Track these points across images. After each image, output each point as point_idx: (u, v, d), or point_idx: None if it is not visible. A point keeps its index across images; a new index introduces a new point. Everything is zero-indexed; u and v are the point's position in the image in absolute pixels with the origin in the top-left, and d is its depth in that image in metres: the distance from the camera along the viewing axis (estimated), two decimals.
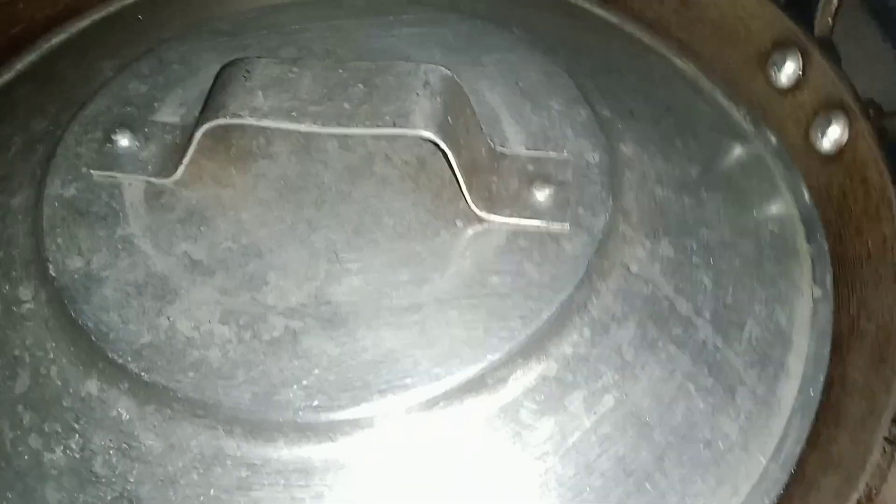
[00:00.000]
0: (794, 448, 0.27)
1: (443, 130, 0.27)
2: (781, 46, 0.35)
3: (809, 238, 0.32)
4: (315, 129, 0.27)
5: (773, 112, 0.36)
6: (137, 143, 0.31)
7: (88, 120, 0.32)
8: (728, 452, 0.27)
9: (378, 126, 0.27)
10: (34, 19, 0.39)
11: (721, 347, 0.28)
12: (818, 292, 0.31)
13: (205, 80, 0.33)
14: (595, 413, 0.26)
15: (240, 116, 0.27)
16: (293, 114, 0.27)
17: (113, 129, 0.31)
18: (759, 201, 0.33)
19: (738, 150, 0.35)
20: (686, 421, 0.27)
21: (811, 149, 0.34)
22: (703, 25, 0.37)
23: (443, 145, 0.27)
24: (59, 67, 0.37)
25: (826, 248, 0.32)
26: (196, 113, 0.32)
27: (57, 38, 0.39)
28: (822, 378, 0.29)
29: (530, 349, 0.26)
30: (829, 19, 0.36)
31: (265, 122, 0.27)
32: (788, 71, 0.34)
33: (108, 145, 0.31)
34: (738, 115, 0.37)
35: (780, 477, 0.27)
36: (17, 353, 0.27)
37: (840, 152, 0.33)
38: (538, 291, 0.27)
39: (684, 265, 0.30)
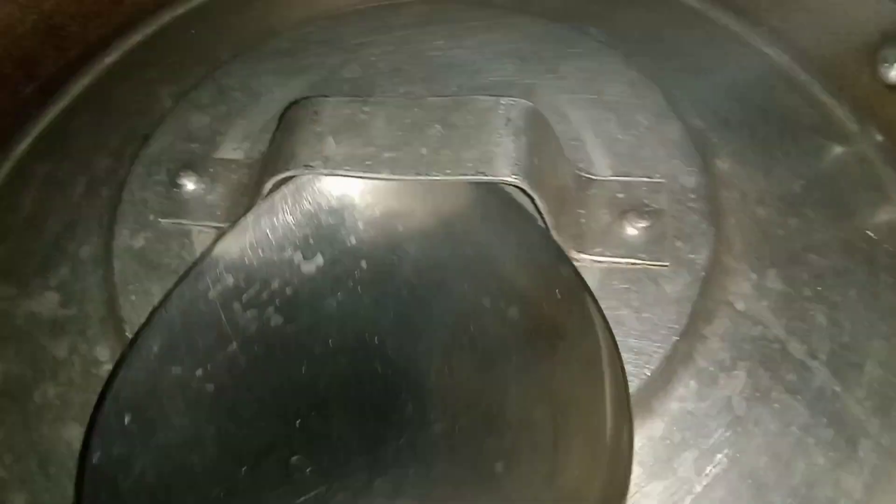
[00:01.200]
0: None
1: (529, 175, 0.25)
2: (893, 39, 0.31)
3: None
4: (392, 178, 0.25)
5: (883, 112, 0.32)
6: (203, 186, 0.29)
7: (151, 159, 0.31)
8: None
9: (460, 174, 0.25)
10: (87, 41, 0.38)
11: (840, 394, 0.26)
12: None
13: (267, 107, 0.32)
14: (707, 475, 0.24)
15: (311, 167, 0.25)
16: (368, 162, 0.25)
17: (177, 170, 0.30)
18: (869, 215, 0.30)
19: (843, 155, 0.32)
20: (805, 480, 0.25)
21: None
22: (800, 14, 0.34)
23: (530, 191, 0.25)
24: (115, 93, 0.36)
25: None
26: (260, 147, 0.30)
27: (110, 58, 0.38)
28: None
29: (633, 408, 0.24)
30: None
31: (339, 173, 0.25)
32: None
33: (175, 189, 0.29)
34: (840, 112, 0.34)
35: None
36: None
37: None
38: (638, 343, 0.25)
39: (794, 299, 0.27)
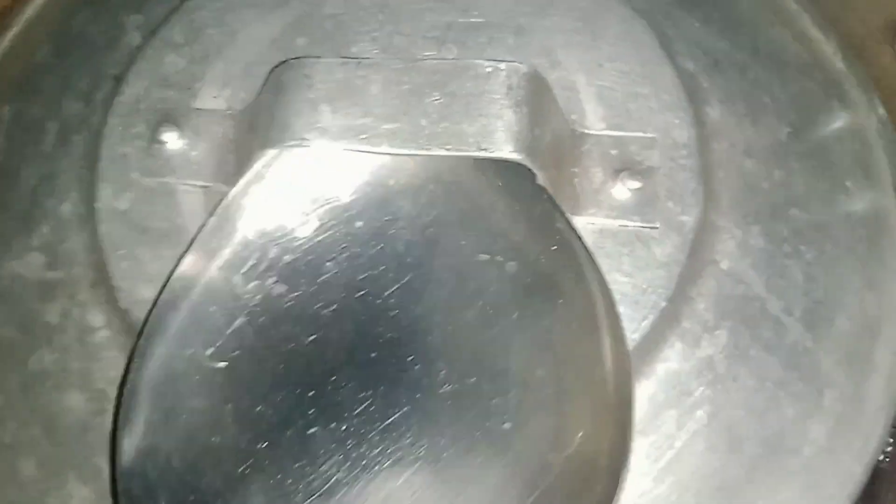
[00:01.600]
0: (878, 446, 0.28)
1: (531, 149, 0.24)
2: None
3: None
4: (392, 151, 0.25)
5: None
6: (186, 141, 0.28)
7: (127, 109, 0.29)
8: (815, 457, 0.27)
9: (461, 149, 0.24)
10: None
11: (811, 348, 0.28)
12: None
13: (246, 47, 0.30)
14: (687, 431, 0.26)
15: (307, 140, 0.25)
16: (365, 135, 0.25)
17: (157, 123, 0.28)
18: (849, 164, 0.31)
19: (830, 101, 0.32)
20: (776, 430, 0.27)
21: None
22: None
23: (532, 168, 0.25)
24: (76, 22, 0.33)
25: None
26: (242, 94, 0.29)
27: None
28: None
29: None
30: None
31: (337, 146, 0.25)
32: None
33: (156, 145, 0.28)
34: (828, 49, 0.33)
35: (864, 477, 0.27)
36: (101, 386, 0.27)
37: None
38: (629, 310, 0.26)
39: (775, 256, 0.28)
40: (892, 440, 0.29)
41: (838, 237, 0.29)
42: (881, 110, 0.33)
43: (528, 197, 0.26)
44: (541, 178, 0.25)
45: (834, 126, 0.32)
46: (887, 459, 0.29)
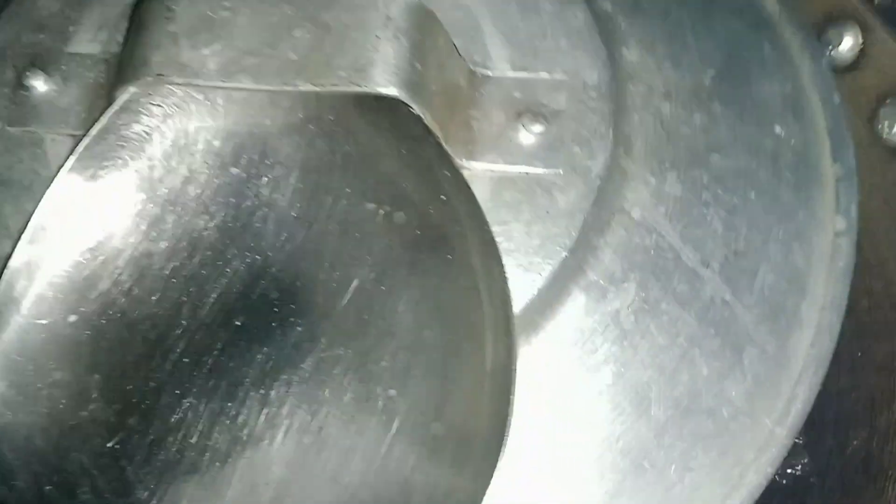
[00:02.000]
0: (803, 408, 0.26)
1: (411, 84, 0.22)
2: (836, 20, 0.29)
3: (836, 154, 0.29)
4: (255, 87, 0.22)
5: None
6: (55, 87, 0.26)
7: None
8: (732, 420, 0.25)
9: (331, 84, 0.22)
10: None
11: (730, 302, 0.26)
12: (841, 224, 0.28)
13: None
14: (591, 391, 0.24)
15: (164, 76, 0.22)
16: (227, 69, 0.22)
17: (25, 67, 0.26)
18: (779, 108, 0.29)
19: (760, 43, 0.30)
20: (688, 391, 0.25)
21: (876, 141, 0.29)
22: None
23: (412, 104, 0.22)
24: None
25: (855, 167, 0.28)
26: (119, 37, 0.27)
27: None
28: (838, 326, 0.26)
29: (519, 327, 0.24)
30: None
31: (196, 82, 0.23)
32: (845, 48, 0.28)
33: (22, 92, 0.26)
34: None
35: (787, 441, 0.25)
36: None
37: None
38: (527, 260, 0.24)
39: (693, 204, 0.26)
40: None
41: (763, 185, 0.27)
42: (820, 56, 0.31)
43: (414, 140, 0.24)
44: (426, 119, 0.23)
45: (764, 69, 0.30)
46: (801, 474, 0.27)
